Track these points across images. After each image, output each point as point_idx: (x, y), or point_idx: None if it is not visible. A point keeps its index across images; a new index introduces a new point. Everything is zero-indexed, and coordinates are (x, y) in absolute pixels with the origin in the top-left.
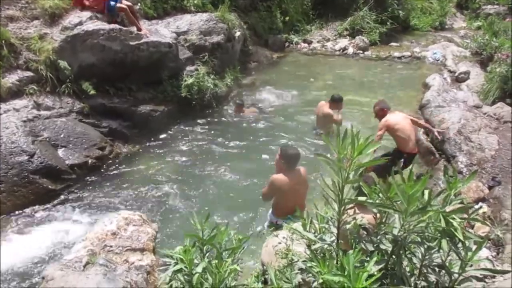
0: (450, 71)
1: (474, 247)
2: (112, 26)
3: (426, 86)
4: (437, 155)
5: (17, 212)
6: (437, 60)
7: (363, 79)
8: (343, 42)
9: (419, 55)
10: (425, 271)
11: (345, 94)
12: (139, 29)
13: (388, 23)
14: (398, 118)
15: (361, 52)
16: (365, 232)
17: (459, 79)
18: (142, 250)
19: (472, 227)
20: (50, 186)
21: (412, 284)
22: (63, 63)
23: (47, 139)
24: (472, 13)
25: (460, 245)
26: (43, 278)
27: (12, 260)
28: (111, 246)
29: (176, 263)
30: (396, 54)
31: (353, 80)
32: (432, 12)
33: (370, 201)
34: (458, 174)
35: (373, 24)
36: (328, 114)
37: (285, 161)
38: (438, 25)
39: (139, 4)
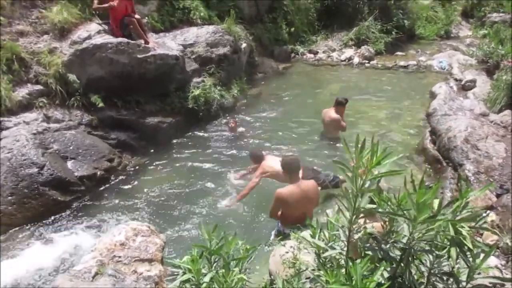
0: (456, 79)
1: (482, 256)
2: (120, 39)
3: (433, 95)
4: (444, 164)
5: (27, 224)
6: (443, 69)
7: (369, 88)
8: (349, 52)
9: (424, 64)
10: (433, 279)
11: (351, 103)
12: (147, 42)
13: (393, 33)
14: None
15: (367, 61)
16: (374, 241)
17: (465, 88)
18: (150, 260)
19: (481, 235)
20: (59, 198)
21: None
22: (72, 77)
23: (57, 151)
24: (478, 21)
25: (469, 253)
26: None
27: (22, 271)
28: (119, 257)
29: (184, 273)
30: (402, 63)
31: (359, 89)
32: (438, 21)
33: (380, 208)
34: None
35: (378, 34)
36: (336, 119)
37: (285, 170)
38: (444, 33)
39: (146, 17)
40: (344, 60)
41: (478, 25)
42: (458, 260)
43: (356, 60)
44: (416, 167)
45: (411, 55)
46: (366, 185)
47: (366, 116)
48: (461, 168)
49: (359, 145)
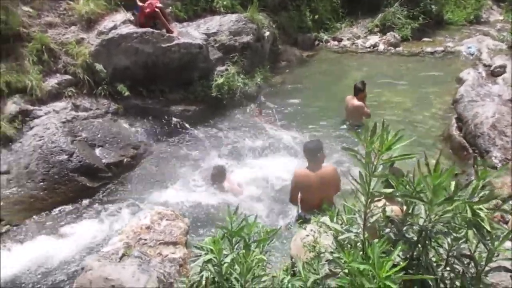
0: (485, 65)
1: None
2: (145, 29)
3: (460, 81)
4: (470, 151)
5: (57, 208)
6: (472, 55)
7: (394, 75)
8: (374, 39)
9: (452, 50)
10: (451, 261)
11: (376, 90)
12: (170, 31)
13: (420, 18)
14: None
15: (392, 48)
16: (391, 223)
17: (494, 73)
18: (174, 243)
19: (506, 222)
20: (88, 184)
21: (439, 274)
22: (99, 66)
23: (85, 139)
24: (509, 5)
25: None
26: (82, 268)
27: (52, 253)
28: (145, 240)
29: (207, 254)
30: (429, 49)
31: (384, 76)
32: (467, 6)
33: (396, 192)
34: (492, 169)
35: (404, 19)
36: (359, 106)
37: (304, 154)
38: (473, 18)
39: (170, 7)
40: (369, 47)
41: (509, 9)
42: (479, 244)
43: (381, 47)
44: (442, 155)
45: (439, 41)
46: (379, 170)
47: (390, 103)
48: (487, 155)
49: (369, 131)
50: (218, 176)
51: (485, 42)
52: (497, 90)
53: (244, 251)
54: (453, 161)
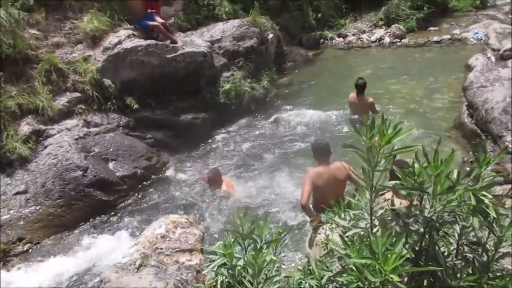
0: (494, 49)
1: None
2: (149, 41)
3: (469, 68)
4: (483, 137)
5: (76, 224)
6: (480, 40)
7: (402, 67)
8: (379, 33)
9: (459, 37)
10: (462, 250)
11: (385, 83)
12: (174, 42)
13: (425, 8)
14: None
15: (398, 40)
16: (396, 216)
17: (504, 57)
18: (190, 250)
19: None
20: (104, 198)
21: (449, 264)
22: (107, 81)
23: (98, 153)
24: None
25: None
26: (101, 280)
27: (73, 268)
28: (161, 249)
29: (219, 258)
30: (435, 38)
31: (392, 69)
32: None
33: (399, 185)
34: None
35: (408, 10)
36: (372, 103)
37: (313, 154)
38: (480, 3)
39: (172, 18)
40: (375, 41)
41: None
42: (485, 230)
43: (387, 40)
44: (455, 144)
45: (445, 29)
46: (381, 164)
47: (400, 95)
48: (500, 140)
49: (368, 126)
50: (213, 179)
51: (492, 26)
52: (506, 73)
53: (254, 252)
54: (467, 150)
